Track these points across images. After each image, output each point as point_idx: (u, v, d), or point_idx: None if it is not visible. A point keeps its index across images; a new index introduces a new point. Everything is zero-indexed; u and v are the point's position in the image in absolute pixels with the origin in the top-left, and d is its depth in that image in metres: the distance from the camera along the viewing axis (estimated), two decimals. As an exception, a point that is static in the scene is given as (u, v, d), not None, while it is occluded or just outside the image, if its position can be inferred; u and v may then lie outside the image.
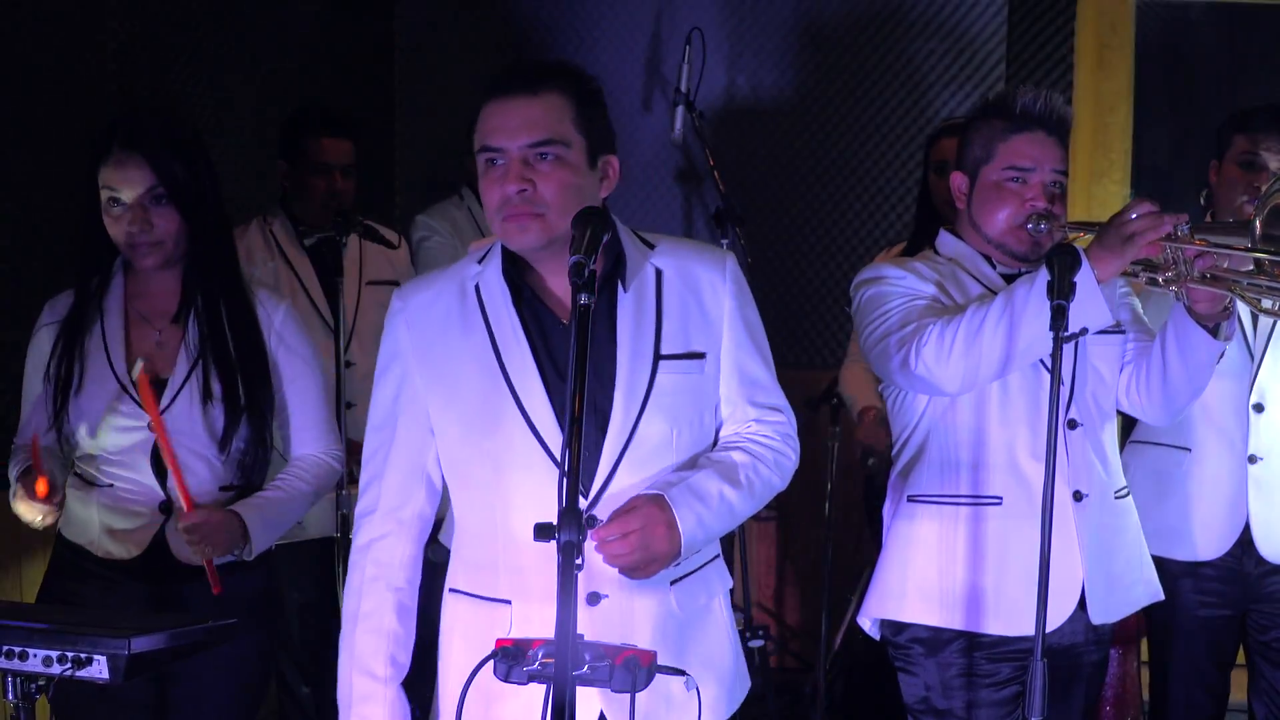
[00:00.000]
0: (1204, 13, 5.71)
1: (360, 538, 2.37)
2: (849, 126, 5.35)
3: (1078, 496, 2.71)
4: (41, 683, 2.35)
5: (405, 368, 2.32)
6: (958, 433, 2.75)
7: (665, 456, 2.28)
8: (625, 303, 2.29)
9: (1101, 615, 2.75)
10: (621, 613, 2.25)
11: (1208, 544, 3.22)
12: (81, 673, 2.31)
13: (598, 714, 2.24)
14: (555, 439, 2.23)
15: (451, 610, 2.37)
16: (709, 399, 2.34)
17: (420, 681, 2.45)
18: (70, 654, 2.30)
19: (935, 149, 4.03)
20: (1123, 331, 2.80)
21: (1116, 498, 2.80)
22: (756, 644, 4.27)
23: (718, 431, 2.38)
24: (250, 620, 2.74)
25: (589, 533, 2.08)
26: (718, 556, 2.44)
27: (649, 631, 2.26)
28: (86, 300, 2.82)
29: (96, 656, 2.30)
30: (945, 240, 2.87)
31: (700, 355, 2.31)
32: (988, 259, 2.79)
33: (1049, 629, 2.48)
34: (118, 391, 2.77)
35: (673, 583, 2.30)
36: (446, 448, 2.32)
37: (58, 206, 3.56)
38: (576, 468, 1.91)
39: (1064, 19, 5.20)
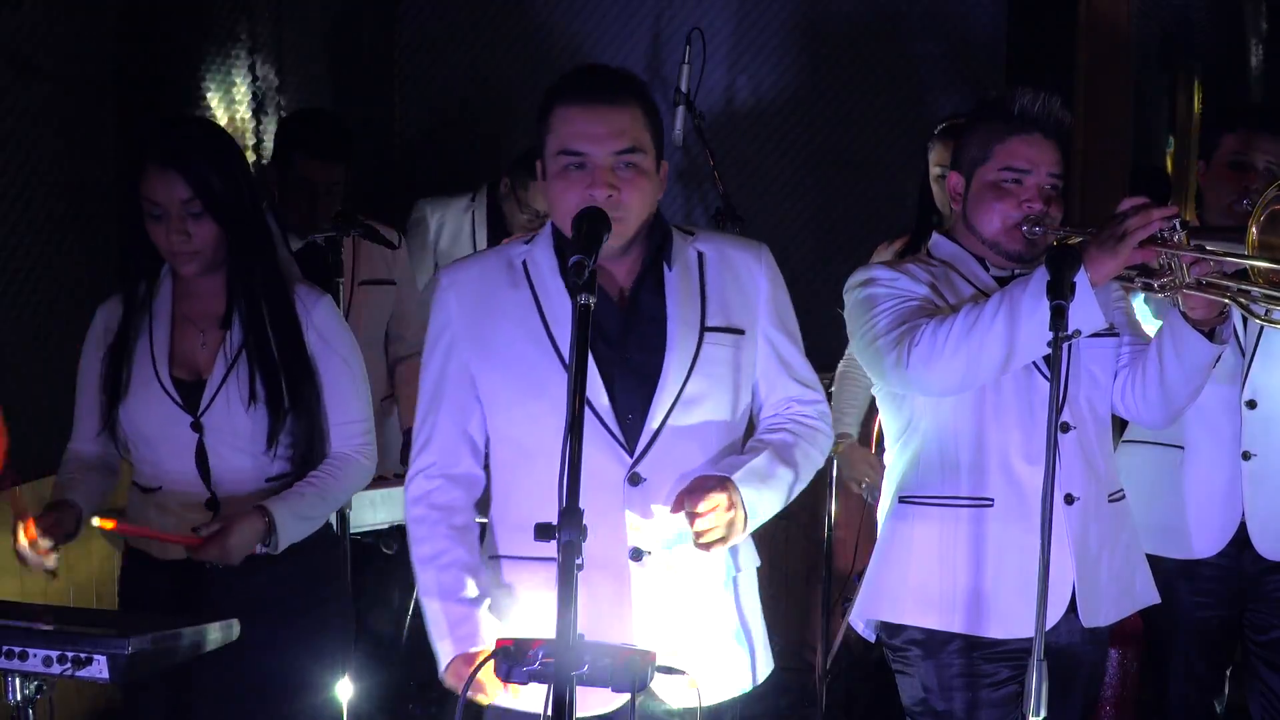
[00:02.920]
0: (1205, 13, 5.72)
1: (413, 492, 2.48)
2: (849, 127, 5.35)
3: (1069, 499, 2.71)
4: (41, 683, 2.36)
5: (453, 338, 2.45)
6: (951, 435, 2.75)
7: (707, 417, 2.42)
8: (672, 280, 2.45)
9: (1092, 619, 2.75)
10: (664, 571, 2.39)
11: (1203, 542, 3.21)
12: (81, 672, 2.31)
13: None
14: (601, 401, 2.37)
15: (496, 578, 2.46)
16: (746, 373, 2.49)
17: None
18: (70, 654, 2.30)
19: (935, 151, 4.01)
20: (1116, 334, 2.79)
21: (1110, 501, 2.80)
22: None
23: (750, 410, 2.52)
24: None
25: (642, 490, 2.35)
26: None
27: (689, 590, 2.41)
28: (135, 307, 2.85)
29: (96, 656, 2.30)
30: (939, 243, 2.87)
31: (740, 331, 2.47)
32: (981, 261, 2.79)
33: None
34: (161, 395, 2.80)
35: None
36: (494, 412, 2.45)
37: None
38: (578, 468, 1.95)
39: (1064, 20, 5.19)
